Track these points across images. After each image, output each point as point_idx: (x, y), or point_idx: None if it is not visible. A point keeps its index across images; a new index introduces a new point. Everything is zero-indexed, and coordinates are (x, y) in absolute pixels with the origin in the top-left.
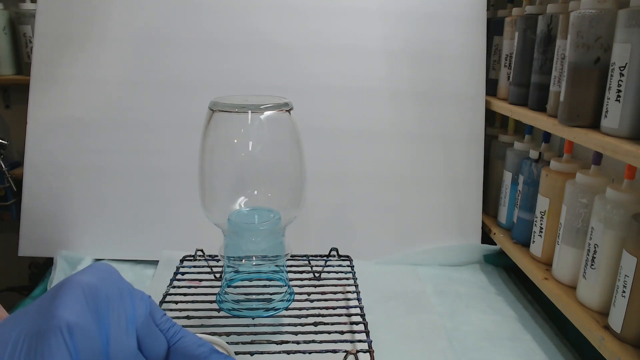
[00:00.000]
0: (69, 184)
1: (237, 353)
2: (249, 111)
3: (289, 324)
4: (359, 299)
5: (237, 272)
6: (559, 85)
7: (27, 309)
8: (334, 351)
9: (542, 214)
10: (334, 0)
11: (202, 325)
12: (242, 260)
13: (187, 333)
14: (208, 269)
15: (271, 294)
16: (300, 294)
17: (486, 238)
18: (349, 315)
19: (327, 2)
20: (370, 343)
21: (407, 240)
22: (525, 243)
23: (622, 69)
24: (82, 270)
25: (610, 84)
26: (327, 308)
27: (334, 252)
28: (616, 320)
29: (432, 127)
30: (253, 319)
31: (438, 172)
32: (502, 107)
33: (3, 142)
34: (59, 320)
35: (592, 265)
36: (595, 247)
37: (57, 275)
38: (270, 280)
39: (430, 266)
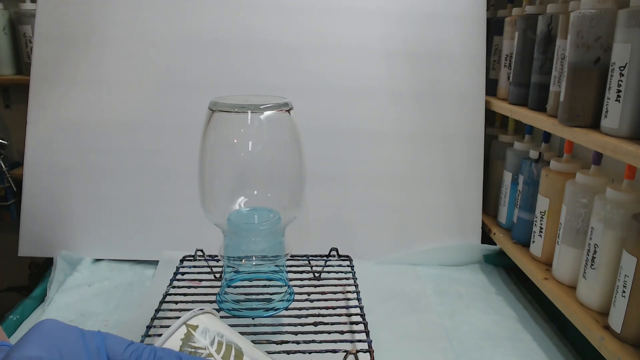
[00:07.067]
0: (69, 184)
1: None
2: (249, 111)
3: (289, 324)
4: (359, 299)
5: (237, 272)
6: (559, 85)
7: None
8: (334, 351)
9: (542, 214)
10: (334, 0)
11: None
12: (242, 260)
13: (163, 352)
14: (208, 269)
15: (271, 294)
16: (300, 294)
17: (486, 238)
18: (349, 315)
19: (328, 2)
20: (370, 343)
21: (407, 240)
22: (525, 243)
23: (622, 69)
24: (25, 339)
25: (610, 84)
26: (327, 308)
27: (334, 252)
28: (616, 320)
29: (432, 127)
30: (253, 319)
31: (438, 172)
32: (502, 107)
33: (3, 142)
34: None
35: (592, 265)
36: (595, 247)
37: (57, 276)
38: (270, 280)
39: (430, 266)
